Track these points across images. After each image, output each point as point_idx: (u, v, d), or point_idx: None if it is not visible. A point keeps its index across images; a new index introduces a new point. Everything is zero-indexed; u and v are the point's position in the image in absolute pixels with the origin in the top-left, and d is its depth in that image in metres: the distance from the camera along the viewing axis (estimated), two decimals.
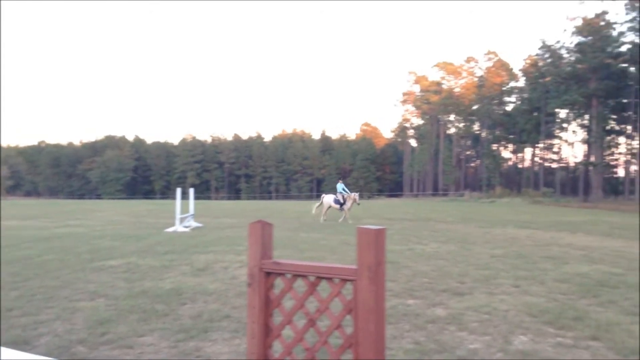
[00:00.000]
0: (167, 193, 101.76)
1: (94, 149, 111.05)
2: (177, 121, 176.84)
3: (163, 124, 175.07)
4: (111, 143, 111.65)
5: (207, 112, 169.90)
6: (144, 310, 7.10)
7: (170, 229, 19.95)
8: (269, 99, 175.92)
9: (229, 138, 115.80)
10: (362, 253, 2.41)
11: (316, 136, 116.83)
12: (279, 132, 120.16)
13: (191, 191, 24.23)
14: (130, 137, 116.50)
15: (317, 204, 26.68)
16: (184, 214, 21.16)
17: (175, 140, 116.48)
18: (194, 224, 22.01)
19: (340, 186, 25.41)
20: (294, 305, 2.72)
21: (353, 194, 25.17)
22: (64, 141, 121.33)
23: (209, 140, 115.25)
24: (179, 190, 21.23)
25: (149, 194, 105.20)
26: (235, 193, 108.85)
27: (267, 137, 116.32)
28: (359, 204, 25.89)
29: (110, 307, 7.36)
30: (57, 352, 5.33)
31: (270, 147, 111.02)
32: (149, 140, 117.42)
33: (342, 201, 24.83)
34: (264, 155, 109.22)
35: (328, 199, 25.55)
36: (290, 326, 2.76)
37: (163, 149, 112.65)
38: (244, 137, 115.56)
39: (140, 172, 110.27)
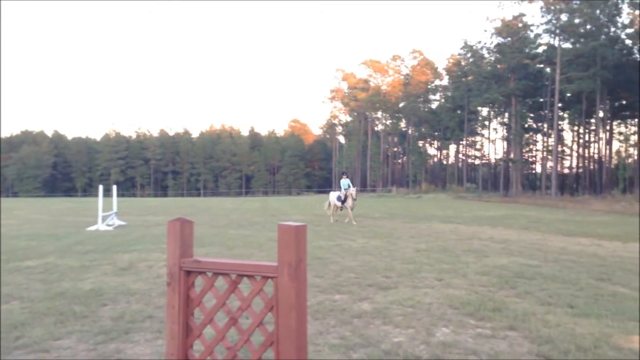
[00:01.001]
0: (89, 191, 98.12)
1: (10, 144, 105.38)
2: (99, 116, 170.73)
3: (84, 118, 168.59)
4: (28, 138, 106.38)
5: (132, 107, 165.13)
6: (62, 313, 6.81)
7: (92, 228, 19.27)
8: (196, 94, 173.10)
9: (155, 134, 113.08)
10: (282, 250, 2.39)
11: (245, 132, 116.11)
12: (207, 128, 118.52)
13: (114, 188, 23.49)
14: (49, 132, 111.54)
15: (326, 202, 24.70)
16: (106, 211, 20.49)
17: (98, 136, 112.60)
18: (117, 222, 21.33)
19: (345, 182, 23.11)
20: (215, 303, 2.67)
21: (351, 189, 22.67)
22: None
23: (134, 136, 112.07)
24: (101, 188, 20.52)
25: (69, 192, 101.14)
26: (162, 190, 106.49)
27: (195, 133, 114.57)
28: (354, 199, 22.64)
29: (25, 309, 7.01)
30: None
31: (198, 143, 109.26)
32: (70, 135, 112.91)
33: (342, 198, 22.70)
34: (191, 152, 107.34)
35: (332, 196, 23.51)
36: (211, 325, 2.70)
37: (84, 144, 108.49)
38: (171, 133, 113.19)
39: (60, 169, 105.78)
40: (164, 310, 6.77)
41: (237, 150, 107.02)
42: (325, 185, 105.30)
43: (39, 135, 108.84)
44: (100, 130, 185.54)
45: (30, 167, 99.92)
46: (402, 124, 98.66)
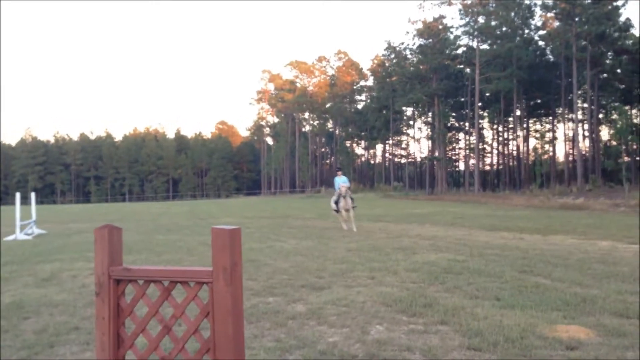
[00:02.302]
0: (5, 199, 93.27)
1: None
2: (14, 119, 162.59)
3: None
4: None
5: (49, 109, 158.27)
6: None
7: (10, 238, 18.33)
8: (118, 95, 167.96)
9: (75, 138, 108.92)
10: (217, 254, 2.34)
11: (171, 135, 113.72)
12: (131, 131, 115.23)
13: (32, 195, 22.43)
14: None
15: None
16: (25, 220, 19.54)
17: (13, 141, 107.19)
18: (36, 230, 20.38)
19: (339, 180, 19.13)
20: (147, 312, 2.59)
21: (343, 185, 18.65)
22: None
23: (52, 140, 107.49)
24: (18, 195, 19.58)
25: None
26: (84, 196, 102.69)
27: (118, 137, 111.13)
28: (346, 198, 18.36)
29: None
30: None
31: (122, 147, 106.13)
32: None
33: (335, 199, 18.87)
34: (114, 156, 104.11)
35: (332, 200, 19.66)
36: (143, 335, 2.62)
37: None
38: (92, 136, 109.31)
39: None
40: (91, 321, 6.51)
41: (163, 154, 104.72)
42: (254, 187, 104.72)
43: None
44: (16, 135, 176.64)
45: None
46: (329, 125, 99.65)
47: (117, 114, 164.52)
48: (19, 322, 6.74)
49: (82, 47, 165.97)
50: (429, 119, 78.37)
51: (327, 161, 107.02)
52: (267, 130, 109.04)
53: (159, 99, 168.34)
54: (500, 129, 74.38)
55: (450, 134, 78.75)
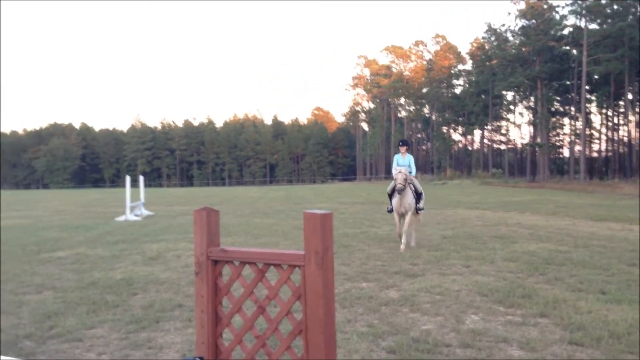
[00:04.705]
0: (116, 181, 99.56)
1: (39, 136, 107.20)
2: (126, 107, 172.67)
3: (111, 110, 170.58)
4: (57, 131, 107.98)
5: (156, 97, 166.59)
6: (94, 302, 6.93)
7: (121, 218, 19.54)
8: (220, 84, 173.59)
9: (180, 124, 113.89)
10: (309, 238, 2.38)
11: (268, 121, 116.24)
12: (231, 118, 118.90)
13: (141, 179, 23.78)
14: (77, 125, 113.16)
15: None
16: (134, 202, 20.75)
17: (124, 127, 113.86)
18: (145, 212, 21.62)
19: (399, 160, 11.95)
20: (243, 292, 2.68)
21: (399, 169, 11.34)
22: (6, 129, 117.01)
23: (159, 126, 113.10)
24: (128, 178, 20.79)
25: (98, 183, 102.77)
26: (187, 180, 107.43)
27: (219, 123, 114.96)
28: (420, 196, 11.79)
29: (58, 299, 7.15)
30: (3, 349, 5.14)
31: (222, 133, 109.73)
32: (97, 127, 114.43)
33: (389, 191, 11.95)
34: (215, 141, 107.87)
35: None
36: (239, 314, 2.71)
37: (111, 136, 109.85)
38: (195, 123, 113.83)
39: (89, 161, 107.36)
40: (192, 299, 6.85)
41: (260, 139, 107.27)
42: (349, 172, 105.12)
43: (67, 128, 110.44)
44: (127, 121, 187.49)
45: (59, 159, 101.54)
46: (426, 110, 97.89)
47: (218, 101, 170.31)
48: (128, 298, 7.20)
49: (186, 39, 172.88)
50: (531, 104, 75.06)
51: (423, 147, 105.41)
52: (362, 115, 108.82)
53: (257, 86, 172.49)
54: (609, 113, 69.99)
55: (554, 119, 75.03)
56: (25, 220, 20.32)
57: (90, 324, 5.99)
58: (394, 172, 11.35)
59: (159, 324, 5.98)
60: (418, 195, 11.58)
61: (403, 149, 12.10)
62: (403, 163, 11.75)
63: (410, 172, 11.54)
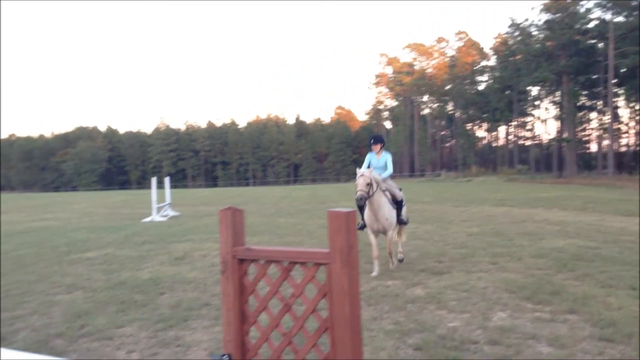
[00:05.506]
0: (143, 183, 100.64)
1: (66, 140, 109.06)
2: (149, 110, 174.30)
3: (135, 113, 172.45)
4: (83, 134, 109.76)
5: (179, 100, 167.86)
6: (123, 301, 7.04)
7: (147, 219, 19.77)
8: (241, 85, 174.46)
9: (203, 125, 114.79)
10: (333, 237, 2.39)
11: (291, 121, 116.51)
12: (253, 118, 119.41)
13: (167, 180, 24.02)
14: (102, 128, 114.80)
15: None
16: (160, 203, 20.97)
17: (149, 130, 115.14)
18: (171, 213, 21.84)
19: (371, 159, 9.84)
20: (269, 291, 2.70)
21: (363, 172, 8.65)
22: (34, 133, 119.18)
23: (183, 128, 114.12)
24: (154, 180, 21.02)
25: (124, 185, 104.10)
26: (212, 180, 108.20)
27: (242, 124, 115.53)
28: (400, 204, 9.58)
29: (88, 299, 7.28)
30: (35, 347, 5.26)
31: (245, 134, 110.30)
32: (122, 130, 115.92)
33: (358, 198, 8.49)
34: (239, 142, 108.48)
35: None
36: (265, 312, 2.74)
37: (136, 138, 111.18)
38: (218, 124, 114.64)
39: (115, 163, 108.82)
40: (219, 298, 6.91)
41: (283, 139, 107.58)
42: None
43: (93, 131, 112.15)
44: (151, 124, 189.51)
45: (86, 161, 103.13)
46: (449, 107, 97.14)
47: (240, 103, 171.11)
48: (155, 297, 7.30)
49: (208, 40, 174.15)
50: (557, 99, 74.02)
51: (447, 144, 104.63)
52: (385, 114, 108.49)
53: (279, 86, 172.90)
54: (637, 107, 68.66)
55: (580, 114, 73.86)
56: (55, 222, 20.69)
57: (119, 322, 6.09)
58: (358, 177, 8.56)
59: (187, 322, 6.05)
60: (398, 205, 9.25)
61: (377, 147, 9.78)
62: (378, 165, 9.48)
63: (380, 174, 9.14)
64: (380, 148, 9.77)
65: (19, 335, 5.77)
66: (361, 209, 8.87)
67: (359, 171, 8.67)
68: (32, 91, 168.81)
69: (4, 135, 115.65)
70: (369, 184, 8.38)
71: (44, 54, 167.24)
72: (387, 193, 9.06)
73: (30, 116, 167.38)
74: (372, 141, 9.89)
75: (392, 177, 9.56)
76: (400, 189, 9.68)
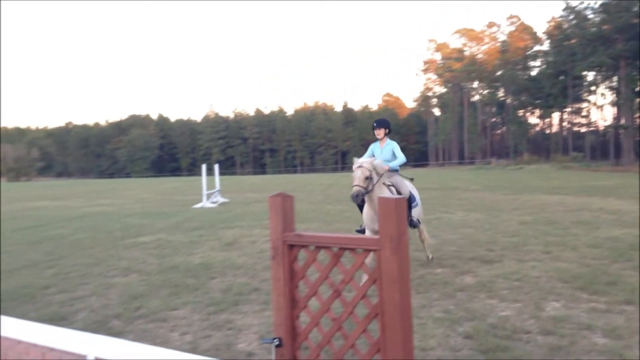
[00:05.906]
0: (193, 170, 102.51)
1: (120, 128, 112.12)
2: (199, 98, 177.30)
3: (185, 101, 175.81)
4: (136, 122, 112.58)
5: (228, 87, 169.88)
6: (175, 285, 7.22)
7: (198, 205, 20.15)
8: (289, 72, 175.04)
9: (251, 113, 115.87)
10: (383, 224, 2.38)
11: (338, 108, 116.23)
12: (301, 106, 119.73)
13: (216, 167, 24.40)
14: (154, 116, 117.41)
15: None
16: (210, 190, 21.32)
17: (198, 117, 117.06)
18: (220, 199, 22.20)
19: (375, 150, 8.36)
20: (319, 276, 2.72)
21: (362, 162, 7.09)
22: (90, 121, 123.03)
23: (232, 116, 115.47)
24: (204, 167, 21.38)
25: (175, 171, 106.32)
26: (260, 168, 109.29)
27: (289, 111, 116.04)
28: (412, 202, 8.05)
29: (142, 282, 7.51)
30: (93, 327, 5.46)
31: (293, 121, 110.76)
32: (172, 117, 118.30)
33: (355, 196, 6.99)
34: (287, 129, 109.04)
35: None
36: (315, 297, 2.75)
37: (187, 126, 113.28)
38: (266, 111, 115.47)
39: (166, 150, 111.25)
40: (268, 284, 7.00)
41: (331, 127, 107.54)
42: (421, 158, 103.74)
43: (145, 119, 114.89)
44: (200, 111, 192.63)
45: (139, 149, 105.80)
46: (500, 93, 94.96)
47: (288, 90, 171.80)
48: (206, 281, 7.45)
49: (255, 29, 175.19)
50: (614, 84, 71.41)
51: (498, 131, 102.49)
52: (434, 101, 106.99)
53: (327, 74, 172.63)
54: None
55: (638, 100, 71.09)
56: (110, 207, 21.33)
57: (173, 305, 6.25)
58: (354, 169, 7.11)
59: (237, 306, 6.16)
60: (407, 202, 7.53)
61: (380, 132, 8.25)
62: (382, 156, 8.02)
63: (387, 162, 7.78)
64: (385, 134, 8.25)
65: (78, 316, 6.00)
66: (361, 207, 7.71)
67: (357, 161, 7.11)
68: (89, 80, 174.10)
69: (62, 123, 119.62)
70: (368, 178, 6.95)
71: (101, 45, 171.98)
72: (393, 188, 7.58)
73: (86, 104, 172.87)
74: (375, 125, 8.34)
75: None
76: (412, 179, 8.45)
